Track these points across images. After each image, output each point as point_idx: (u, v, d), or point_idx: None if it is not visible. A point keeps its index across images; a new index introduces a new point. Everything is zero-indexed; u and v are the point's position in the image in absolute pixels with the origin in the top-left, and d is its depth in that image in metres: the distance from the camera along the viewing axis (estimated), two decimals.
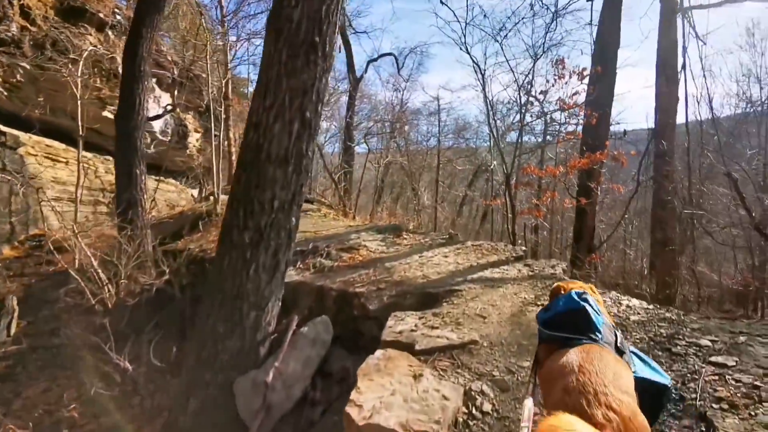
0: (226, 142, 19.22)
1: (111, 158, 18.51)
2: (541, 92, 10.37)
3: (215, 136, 13.36)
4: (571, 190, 11.14)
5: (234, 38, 16.41)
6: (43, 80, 12.95)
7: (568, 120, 10.65)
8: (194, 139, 23.30)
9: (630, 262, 12.73)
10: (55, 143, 15.63)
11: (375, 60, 17.25)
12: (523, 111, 10.39)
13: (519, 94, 9.99)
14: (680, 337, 2.83)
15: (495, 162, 14.48)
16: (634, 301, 3.70)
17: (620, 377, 1.26)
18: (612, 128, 11.61)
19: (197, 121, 24.16)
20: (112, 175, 18.50)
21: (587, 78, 10.33)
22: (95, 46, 15.41)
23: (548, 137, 19.03)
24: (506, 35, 11.36)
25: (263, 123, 3.96)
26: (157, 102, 19.85)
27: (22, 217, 13.64)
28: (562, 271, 4.95)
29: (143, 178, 7.81)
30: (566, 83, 9.94)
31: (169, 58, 20.02)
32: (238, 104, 19.65)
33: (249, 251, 3.95)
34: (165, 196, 23.45)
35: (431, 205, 21.81)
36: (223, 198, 13.38)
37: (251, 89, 23.84)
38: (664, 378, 1.58)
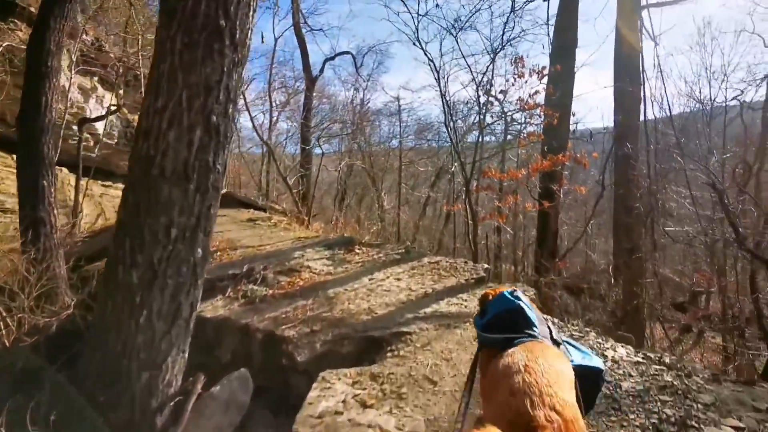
0: None
1: None
2: (501, 92, 9.76)
3: None
4: (534, 193, 10.60)
5: None
6: None
7: (528, 120, 10.08)
8: None
9: (592, 263, 12.37)
10: None
11: (332, 59, 16.36)
12: (482, 111, 9.74)
13: (478, 93, 9.32)
14: (694, 421, 2.13)
15: (455, 164, 13.88)
16: (620, 351, 3.01)
17: (563, 375, 1.26)
18: (572, 128, 11.18)
19: None
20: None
21: (545, 78, 9.81)
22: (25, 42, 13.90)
23: (509, 137, 18.69)
24: (462, 27, 10.99)
25: (154, 130, 3.03)
26: (99, 102, 18.25)
27: None
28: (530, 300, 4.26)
29: (52, 191, 6.61)
30: (526, 82, 9.34)
31: (112, 55, 18.49)
32: None
33: (139, 294, 3.01)
34: (113, 202, 21.71)
35: (394, 207, 21.11)
36: None
37: None
38: (597, 362, 1.58)
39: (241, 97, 14.46)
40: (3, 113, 13.88)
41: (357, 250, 6.42)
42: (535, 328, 1.45)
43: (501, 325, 1.50)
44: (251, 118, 13.60)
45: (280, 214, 11.31)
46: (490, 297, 1.74)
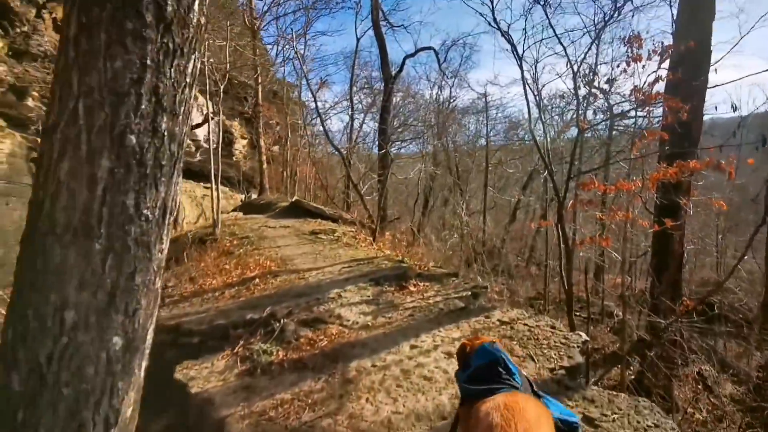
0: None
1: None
2: (607, 80, 7.57)
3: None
4: (650, 207, 8.26)
5: (270, 40, 14.91)
6: None
7: (646, 116, 7.74)
8: (240, 145, 22.25)
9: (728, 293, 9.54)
10: None
11: (412, 55, 14.96)
12: (583, 107, 7.65)
13: (575, 83, 7.20)
14: None
15: (544, 174, 11.73)
16: None
17: (545, 424, 1.28)
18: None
19: (243, 127, 23.08)
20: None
21: (666, 62, 7.43)
22: None
23: (614, 133, 15.77)
24: None
25: (45, 162, 1.93)
26: (200, 110, 18.88)
27: None
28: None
29: None
30: (644, 67, 7.13)
31: (210, 65, 19.01)
32: (267, 110, 18.12)
33: (21, 410, 1.94)
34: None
35: (479, 211, 19.14)
36: (227, 217, 11.79)
37: (302, 94, 22.30)
38: (574, 417, 1.56)
39: (307, 96, 13.74)
40: None
41: (411, 287, 5.01)
42: (517, 379, 1.42)
43: (484, 377, 1.45)
44: (322, 122, 12.77)
45: (348, 224, 10.23)
46: (468, 349, 1.70)
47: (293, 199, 10.96)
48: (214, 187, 8.82)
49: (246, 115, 22.38)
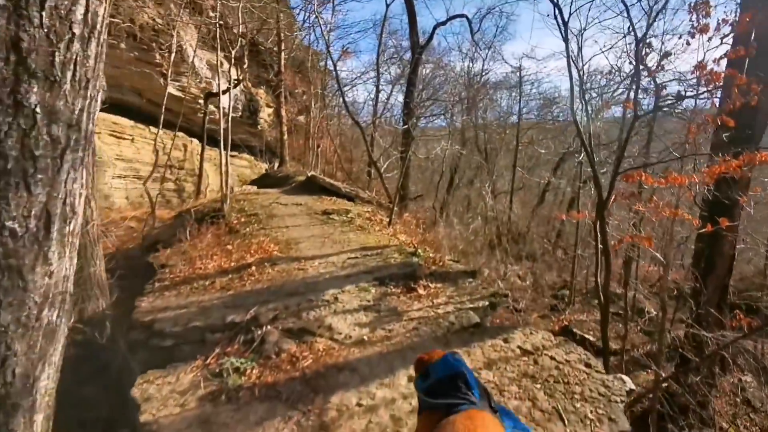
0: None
1: (180, 134, 17.51)
2: (665, 54, 6.42)
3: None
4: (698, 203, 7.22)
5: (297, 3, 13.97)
6: (108, 59, 11.94)
7: (711, 97, 6.54)
8: (266, 114, 21.62)
9: None
10: (122, 120, 14.62)
11: (444, 23, 13.66)
12: (634, 85, 6.52)
13: (638, 56, 6.01)
14: None
15: (581, 155, 10.57)
16: None
17: None
18: None
19: (269, 96, 22.32)
20: (179, 151, 17.44)
21: (730, 36, 6.22)
22: (153, 19, 13.89)
23: (658, 114, 14.34)
24: None
25: None
26: (226, 77, 18.25)
27: None
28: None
29: (88, 172, 5.55)
30: (709, 39, 6.03)
31: (235, 31, 18.31)
32: (291, 78, 17.29)
33: None
34: (238, 171, 22.33)
35: (506, 192, 18.06)
36: (240, 191, 11.26)
37: (329, 63, 21.43)
38: (528, 430, 1.56)
39: (325, 65, 12.83)
40: (142, 89, 14.32)
41: (421, 290, 4.31)
42: (476, 393, 1.38)
43: (443, 390, 1.39)
44: (341, 92, 11.88)
45: (365, 204, 9.53)
46: (427, 358, 1.66)
47: (309, 174, 10.31)
48: (224, 161, 8.21)
49: (272, 84, 21.55)
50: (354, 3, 34.39)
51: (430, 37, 13.80)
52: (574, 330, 9.27)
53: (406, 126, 10.89)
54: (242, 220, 7.66)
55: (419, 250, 5.69)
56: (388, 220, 8.22)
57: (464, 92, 17.21)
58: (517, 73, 16.27)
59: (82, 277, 5.25)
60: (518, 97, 16.69)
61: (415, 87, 13.05)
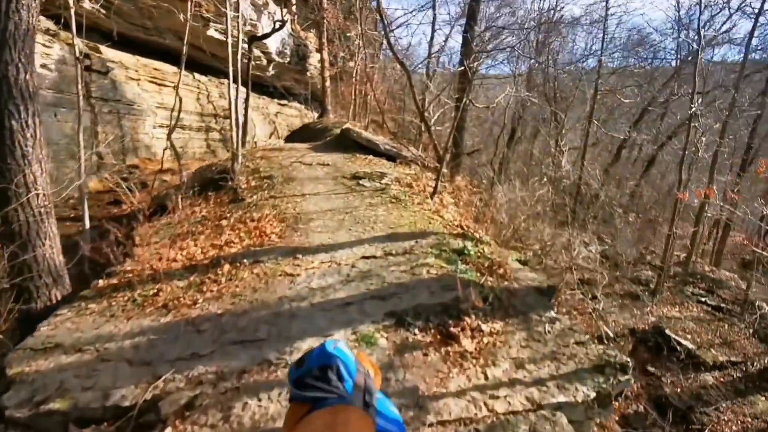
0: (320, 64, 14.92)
1: (225, 82, 15.97)
2: None
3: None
4: None
5: None
6: None
7: None
8: (315, 60, 19.47)
9: None
10: (164, 66, 13.21)
11: None
12: None
13: None
14: None
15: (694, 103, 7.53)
16: None
17: None
18: None
19: (320, 40, 19.89)
20: (225, 99, 16.01)
21: None
22: None
23: None
24: None
25: None
26: (271, 18, 16.16)
27: (117, 147, 11.73)
28: None
29: (30, 135, 3.98)
30: None
31: None
32: (333, 17, 14.79)
33: None
34: (288, 120, 20.71)
35: (579, 148, 14.98)
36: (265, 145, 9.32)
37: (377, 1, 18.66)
38: (398, 419, 1.30)
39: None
40: (184, 33, 12.66)
41: (465, 340, 2.35)
42: (347, 386, 1.16)
43: (313, 381, 1.18)
44: (386, 32, 9.40)
45: (408, 164, 7.46)
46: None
47: (344, 127, 8.30)
48: (233, 108, 6.39)
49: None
50: None
51: None
52: (666, 331, 6.96)
53: (463, 67, 8.42)
54: (252, 184, 5.96)
55: (468, 246, 3.66)
56: (432, 187, 6.16)
57: (533, 32, 13.91)
58: (603, 2, 12.65)
59: (26, 262, 3.83)
60: (600, 34, 13.12)
61: (476, 20, 10.27)
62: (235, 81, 6.42)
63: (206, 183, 6.24)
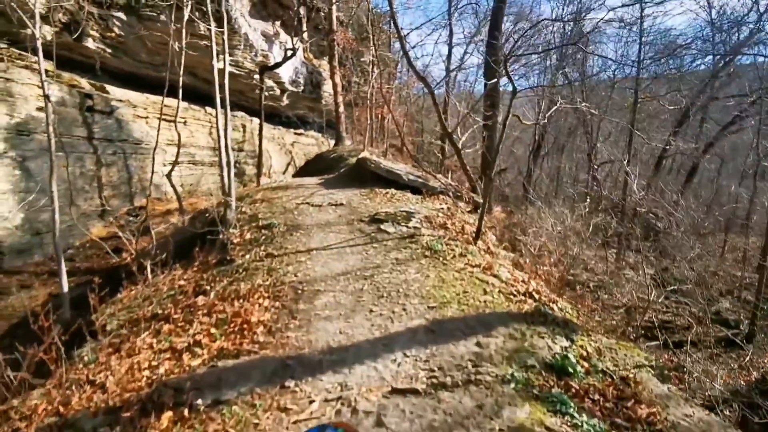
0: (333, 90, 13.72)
1: (239, 114, 14.96)
2: None
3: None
4: None
5: None
6: (148, 33, 9.21)
7: None
8: (329, 87, 18.42)
9: None
10: (175, 102, 12.33)
11: None
12: None
13: None
14: None
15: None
16: None
17: None
18: None
19: (331, 64, 18.81)
20: (238, 132, 14.99)
21: None
22: None
23: None
24: None
25: None
26: (282, 47, 15.21)
27: (123, 188, 10.69)
28: None
29: None
30: None
31: None
32: (344, 40, 13.63)
33: None
34: (305, 149, 19.55)
35: (619, 160, 13.17)
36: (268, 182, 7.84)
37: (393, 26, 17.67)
38: None
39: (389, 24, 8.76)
40: (195, 67, 11.65)
41: None
42: None
43: None
44: (404, 50, 8.02)
45: (436, 197, 5.97)
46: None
47: (359, 157, 6.89)
48: (223, 143, 5.06)
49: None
50: None
51: None
52: None
53: (493, 81, 6.94)
54: (247, 237, 4.55)
55: (565, 347, 2.11)
56: (473, 228, 4.63)
57: (558, 41, 12.41)
58: (635, 9, 11.06)
59: None
60: (637, 37, 11.47)
61: (500, 30, 8.82)
62: (223, 107, 5.12)
63: (192, 238, 4.88)
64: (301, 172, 10.46)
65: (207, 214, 5.49)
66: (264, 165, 13.11)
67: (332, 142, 18.73)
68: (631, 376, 2.02)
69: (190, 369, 2.33)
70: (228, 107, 5.11)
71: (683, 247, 9.76)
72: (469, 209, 6.11)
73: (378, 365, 2.15)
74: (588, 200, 9.31)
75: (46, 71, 9.32)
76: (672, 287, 6.47)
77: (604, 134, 14.90)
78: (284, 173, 16.27)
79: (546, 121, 7.63)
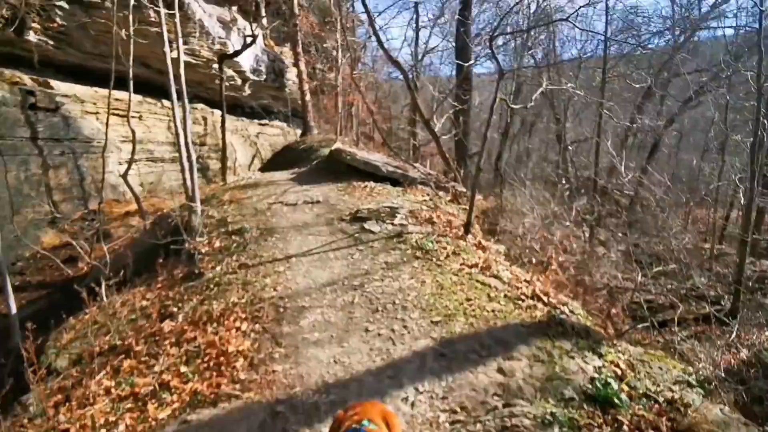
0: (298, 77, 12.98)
1: (199, 106, 13.90)
2: None
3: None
4: None
5: None
6: (92, 23, 8.37)
7: None
8: (293, 75, 17.47)
9: None
10: (125, 95, 11.28)
11: None
12: None
13: None
14: None
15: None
16: None
17: None
18: None
19: (294, 50, 17.82)
20: (199, 125, 13.99)
21: None
22: None
23: None
24: None
25: None
26: (241, 35, 14.20)
27: (76, 191, 9.69)
28: None
29: None
30: None
31: None
32: (307, 25, 12.89)
33: None
34: (270, 140, 18.62)
35: (590, 139, 13.23)
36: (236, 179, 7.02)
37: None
38: None
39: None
40: (147, 57, 10.54)
41: None
42: None
43: None
44: (375, 32, 7.49)
45: (418, 188, 5.62)
46: (338, 424, 1.35)
47: (333, 148, 6.39)
48: (182, 140, 4.47)
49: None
50: None
51: None
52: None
53: (470, 63, 6.55)
54: (216, 245, 4.04)
55: (600, 369, 1.83)
56: (462, 224, 4.33)
57: (525, 20, 12.15)
58: None
59: None
60: (604, 16, 11.35)
61: (470, 11, 8.41)
62: (180, 99, 4.52)
63: (154, 247, 4.30)
64: (269, 166, 9.83)
65: (170, 220, 4.89)
66: (228, 159, 12.27)
67: (299, 131, 17.94)
68: (677, 397, 1.78)
69: (158, 424, 1.90)
70: (186, 99, 4.51)
71: (656, 223, 9.90)
72: (449, 198, 5.82)
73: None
74: (564, 181, 9.25)
75: None
76: (657, 268, 6.44)
77: (571, 114, 14.95)
78: (250, 166, 15.42)
79: (533, 103, 7.44)
